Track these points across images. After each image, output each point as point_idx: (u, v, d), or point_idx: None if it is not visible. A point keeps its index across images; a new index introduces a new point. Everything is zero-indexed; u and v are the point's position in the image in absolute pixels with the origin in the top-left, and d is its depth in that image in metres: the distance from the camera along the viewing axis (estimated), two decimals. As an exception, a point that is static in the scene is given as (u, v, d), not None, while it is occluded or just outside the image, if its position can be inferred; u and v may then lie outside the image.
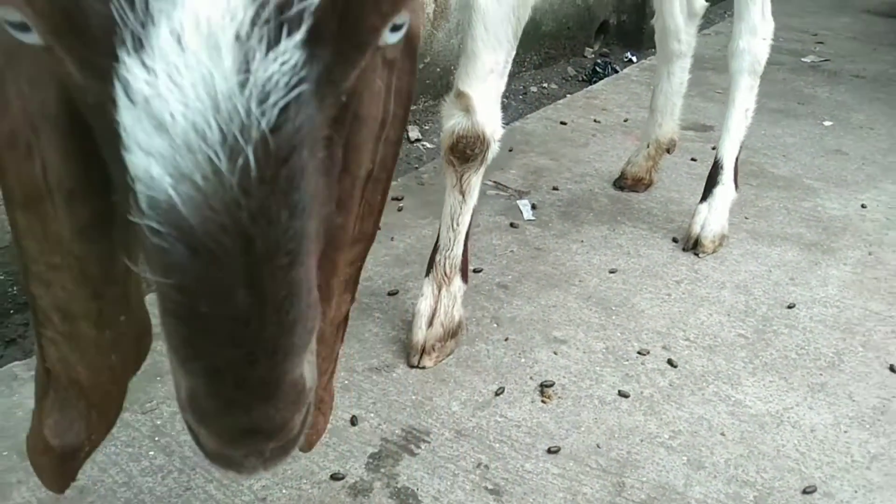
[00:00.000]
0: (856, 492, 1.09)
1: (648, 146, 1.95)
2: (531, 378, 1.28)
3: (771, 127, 2.58)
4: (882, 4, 5.14)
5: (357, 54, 0.42)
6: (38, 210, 0.60)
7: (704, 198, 1.70)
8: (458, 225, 1.29)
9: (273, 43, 0.36)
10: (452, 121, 1.18)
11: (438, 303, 1.30)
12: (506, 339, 1.38)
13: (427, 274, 1.34)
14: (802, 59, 3.55)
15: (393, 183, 1.94)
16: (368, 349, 1.33)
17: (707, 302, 1.53)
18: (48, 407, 0.71)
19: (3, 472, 1.04)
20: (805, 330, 1.45)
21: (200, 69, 0.35)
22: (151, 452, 1.08)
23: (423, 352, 1.28)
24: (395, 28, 0.46)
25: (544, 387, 1.26)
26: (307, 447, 0.77)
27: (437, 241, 1.33)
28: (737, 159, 1.71)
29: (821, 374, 1.33)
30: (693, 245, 1.68)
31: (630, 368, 1.32)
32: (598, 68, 3.62)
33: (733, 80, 1.66)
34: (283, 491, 1.03)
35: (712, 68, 3.31)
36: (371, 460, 1.09)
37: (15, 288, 1.57)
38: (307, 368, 0.49)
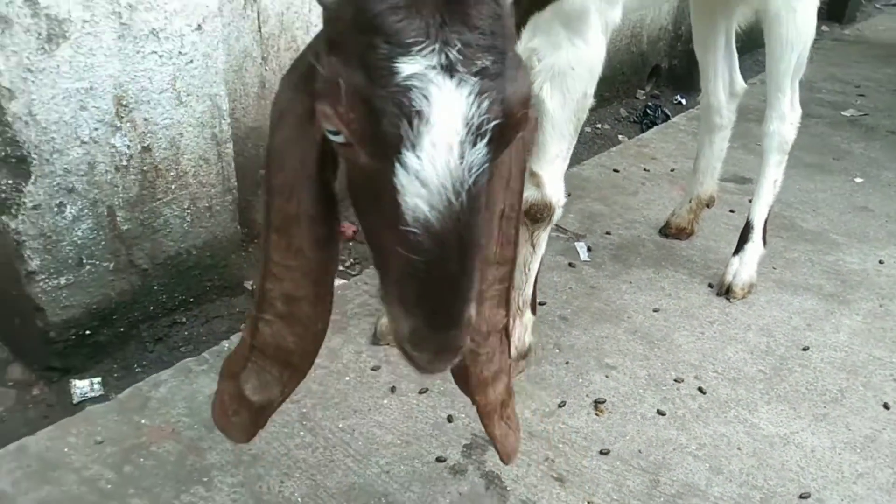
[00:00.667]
0: (842, 500, 1.40)
1: (691, 201, 2.26)
2: (587, 395, 1.61)
3: (805, 182, 2.86)
4: None
5: (508, 144, 0.78)
6: (287, 231, 0.94)
7: (737, 251, 2.01)
8: (529, 270, 1.62)
9: (475, 143, 0.71)
10: (527, 192, 1.51)
11: (513, 331, 1.63)
12: (566, 363, 1.71)
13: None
14: (842, 113, 3.80)
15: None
16: (457, 364, 1.68)
17: (734, 341, 1.83)
18: (245, 376, 1.03)
19: (197, 440, 1.41)
20: (815, 369, 1.75)
21: (443, 157, 0.71)
22: (301, 433, 1.44)
23: (502, 369, 1.61)
24: None
25: (597, 403, 1.58)
26: (507, 460, 1.10)
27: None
28: (766, 220, 2.02)
29: (824, 407, 1.63)
30: (726, 291, 1.99)
31: (667, 392, 1.64)
32: (648, 110, 3.93)
33: (765, 156, 1.97)
34: (402, 467, 1.38)
35: (756, 119, 3.56)
36: (465, 449, 1.43)
37: (163, 296, 1.95)
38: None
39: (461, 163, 0.71)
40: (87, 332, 1.78)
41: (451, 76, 0.70)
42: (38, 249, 1.63)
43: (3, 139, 1.51)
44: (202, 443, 1.41)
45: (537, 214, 1.50)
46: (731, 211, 2.51)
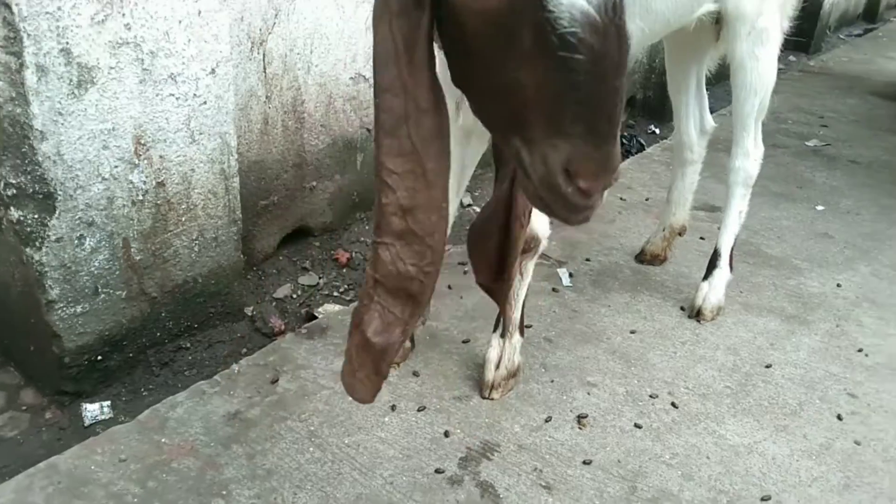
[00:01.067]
0: (799, 501, 1.55)
1: (664, 230, 2.44)
2: (570, 410, 1.76)
3: (771, 210, 3.06)
4: (887, 86, 5.60)
5: None
6: (397, 131, 0.92)
7: (706, 277, 2.18)
8: (517, 296, 1.77)
9: None
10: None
11: (503, 351, 1.78)
12: (552, 381, 1.86)
13: (494, 330, 1.82)
14: (806, 143, 4.02)
15: (457, 248, 2.44)
16: (452, 383, 1.82)
17: (704, 360, 2.00)
18: (368, 318, 1.03)
19: (215, 457, 1.54)
20: (777, 385, 1.92)
21: None
22: (311, 448, 1.57)
23: (492, 387, 1.76)
24: None
25: (580, 417, 1.73)
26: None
27: (504, 304, 1.81)
28: (732, 248, 2.19)
29: (784, 419, 1.80)
30: (696, 314, 2.16)
31: (643, 407, 1.79)
32: (624, 139, 4.13)
33: (730, 189, 2.15)
34: (404, 478, 1.51)
35: (725, 150, 3.75)
36: (461, 461, 1.57)
37: (170, 323, 2.07)
38: None
39: None
40: (99, 357, 1.90)
41: None
42: (59, 279, 1.75)
43: (33, 177, 1.64)
44: (220, 459, 1.53)
45: (525, 246, 1.65)
46: (702, 238, 2.69)
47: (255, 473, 1.50)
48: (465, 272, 2.35)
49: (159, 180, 1.89)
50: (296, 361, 1.85)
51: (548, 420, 1.72)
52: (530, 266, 1.71)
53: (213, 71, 1.91)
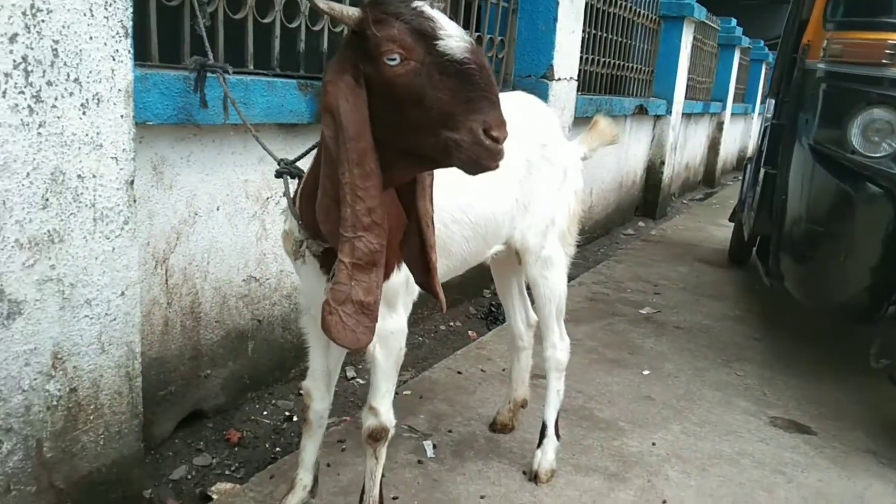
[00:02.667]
0: None
1: (509, 402, 2.93)
2: (425, 572, 2.12)
3: (605, 376, 3.63)
4: (714, 253, 6.59)
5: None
6: (362, 161, 1.44)
7: (538, 445, 2.65)
8: (374, 477, 2.14)
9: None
10: (367, 422, 2.05)
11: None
12: (411, 547, 2.21)
13: (359, 508, 2.17)
14: (640, 311, 4.74)
15: (337, 428, 2.80)
16: (326, 555, 2.14)
17: (538, 519, 2.42)
18: (355, 291, 1.51)
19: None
20: (595, 537, 2.36)
21: (450, 26, 1.42)
22: None
23: (361, 557, 2.10)
24: None
25: (433, 578, 2.09)
26: (443, 308, 1.80)
27: (363, 486, 2.17)
28: (556, 420, 2.67)
29: (598, 567, 2.22)
30: (534, 477, 2.60)
31: (486, 565, 2.17)
32: (492, 307, 4.71)
33: (547, 374, 2.66)
34: None
35: (572, 320, 4.40)
36: None
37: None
38: None
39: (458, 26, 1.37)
40: (4, 550, 2.11)
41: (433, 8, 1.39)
42: (-27, 481, 2.00)
43: (-41, 395, 1.93)
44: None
45: (377, 436, 2.06)
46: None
47: None
48: (342, 450, 2.71)
49: (72, 387, 2.20)
50: (188, 545, 2.13)
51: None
52: (382, 451, 2.11)
53: (122, 293, 2.30)
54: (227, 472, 2.77)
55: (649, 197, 8.77)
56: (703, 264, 6.14)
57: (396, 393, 3.15)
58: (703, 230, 7.63)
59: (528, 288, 2.69)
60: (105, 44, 2.12)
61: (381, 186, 1.51)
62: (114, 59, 2.15)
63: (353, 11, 1.42)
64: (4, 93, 1.88)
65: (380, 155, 1.48)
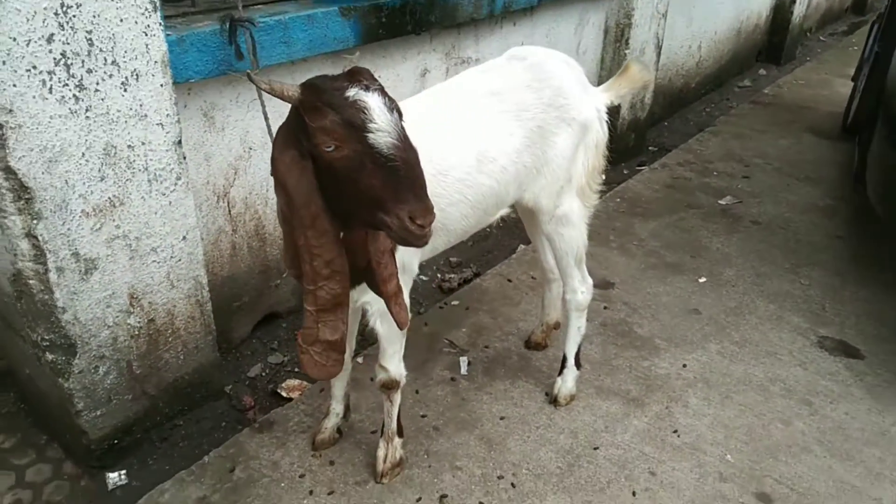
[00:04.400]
0: (578, 564, 2.27)
1: (542, 325, 3.12)
2: (436, 491, 2.49)
3: (657, 284, 3.65)
4: (825, 119, 5.94)
5: (399, 112, 2.08)
6: (314, 223, 1.59)
7: (560, 373, 2.86)
8: (391, 414, 2.44)
9: (391, 112, 1.59)
10: (381, 375, 2.34)
11: (388, 450, 2.50)
12: (429, 466, 2.58)
13: (380, 434, 2.53)
14: (719, 202, 4.54)
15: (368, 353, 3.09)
16: (357, 470, 2.56)
17: (548, 443, 2.69)
18: (322, 332, 1.74)
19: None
20: (597, 465, 2.61)
21: (385, 118, 1.53)
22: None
23: (382, 475, 2.49)
24: None
25: (442, 497, 2.46)
26: (402, 327, 1.95)
27: (383, 421, 2.51)
28: (576, 353, 2.81)
29: (592, 495, 2.49)
30: (553, 401, 2.85)
31: (490, 487, 2.51)
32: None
33: (568, 313, 2.78)
34: (308, 549, 2.27)
35: (641, 214, 4.34)
36: (349, 535, 2.32)
37: (166, 409, 2.83)
38: None
39: (392, 117, 1.47)
40: (115, 441, 2.68)
41: (369, 92, 1.48)
42: (82, 396, 2.52)
43: (59, 335, 2.39)
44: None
45: (389, 386, 2.36)
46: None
47: None
48: (371, 378, 3.06)
49: (150, 318, 2.63)
50: (248, 453, 2.60)
51: (418, 500, 2.45)
52: (396, 396, 2.41)
53: (184, 237, 2.63)
54: (296, 370, 3.20)
55: (775, 40, 7.93)
56: (812, 135, 5.61)
57: (445, 304, 3.42)
58: (825, 85, 6.88)
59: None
60: (136, 22, 2.27)
61: (337, 240, 1.66)
62: (146, 35, 2.31)
63: (293, 91, 1.49)
64: (51, 89, 2.12)
65: (333, 214, 1.62)
